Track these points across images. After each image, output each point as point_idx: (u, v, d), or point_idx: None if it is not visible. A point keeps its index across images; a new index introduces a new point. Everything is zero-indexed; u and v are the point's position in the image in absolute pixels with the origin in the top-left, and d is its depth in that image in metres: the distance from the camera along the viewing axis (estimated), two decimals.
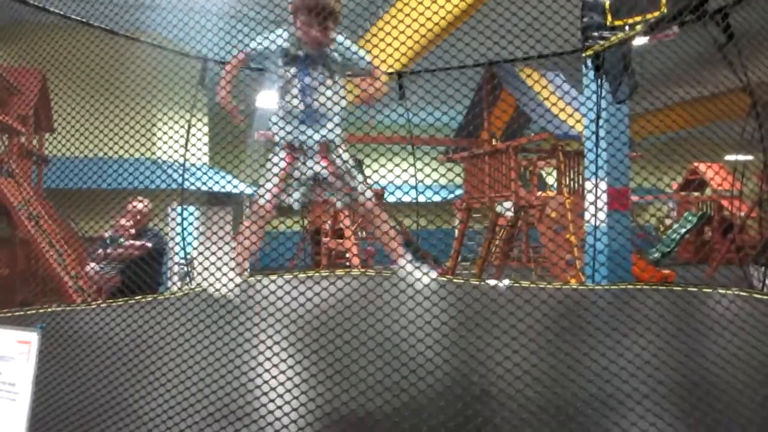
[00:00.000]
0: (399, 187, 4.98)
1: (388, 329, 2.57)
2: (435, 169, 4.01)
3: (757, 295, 3.32)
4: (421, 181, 5.16)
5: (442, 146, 9.51)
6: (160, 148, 3.91)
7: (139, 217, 4.56)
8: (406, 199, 5.46)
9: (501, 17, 3.98)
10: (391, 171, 3.97)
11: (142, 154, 4.20)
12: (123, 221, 4.58)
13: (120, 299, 3.56)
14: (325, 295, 3.07)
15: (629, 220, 6.31)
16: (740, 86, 3.32)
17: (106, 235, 4.59)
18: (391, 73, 5.14)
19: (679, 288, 3.86)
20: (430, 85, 4.57)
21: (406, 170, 4.81)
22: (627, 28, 3.21)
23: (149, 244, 4.47)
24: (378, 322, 2.57)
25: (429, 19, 4.14)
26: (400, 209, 11.65)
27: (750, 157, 4.65)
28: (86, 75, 3.82)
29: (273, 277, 3.82)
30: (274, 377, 2.21)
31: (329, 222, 10.37)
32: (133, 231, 4.54)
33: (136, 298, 3.62)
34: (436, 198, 5.15)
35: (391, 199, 10.18)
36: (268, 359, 2.34)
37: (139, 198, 4.65)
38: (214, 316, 2.88)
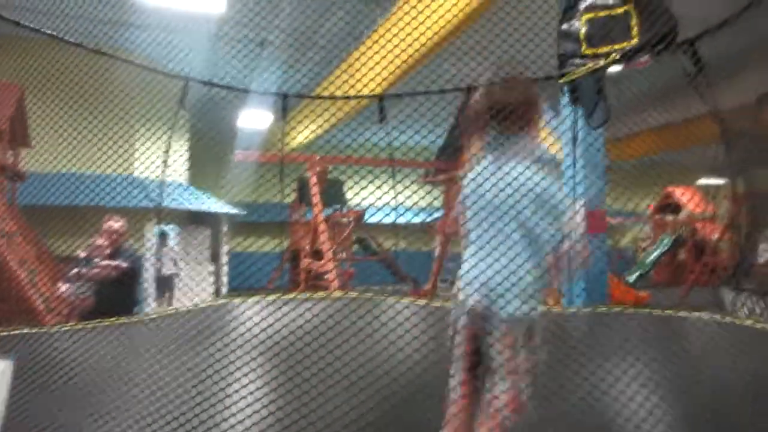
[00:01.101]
0: (380, 210, 4.99)
1: (365, 354, 2.56)
2: (415, 192, 4.03)
3: (727, 319, 3.38)
4: (401, 203, 5.18)
5: (422, 168, 9.57)
6: (139, 168, 3.89)
7: (114, 236, 4.49)
8: (387, 220, 5.47)
9: (481, 43, 4.06)
10: (372, 193, 3.99)
11: (120, 173, 4.16)
12: (98, 241, 4.51)
13: (92, 321, 3.48)
14: (300, 319, 3.05)
15: (606, 242, 6.39)
16: (710, 113, 3.42)
17: (81, 254, 4.51)
18: (372, 96, 5.19)
19: (655, 311, 3.91)
20: (411, 109, 4.64)
21: (384, 189, 4.84)
22: (601, 56, 3.30)
23: (124, 265, 4.40)
24: (352, 347, 2.56)
25: (410, 44, 4.21)
26: (380, 231, 11.68)
27: (721, 182, 4.76)
28: (65, 90, 3.79)
29: (249, 300, 3.78)
30: (246, 402, 2.19)
31: (308, 243, 10.32)
32: (108, 251, 4.47)
33: (110, 320, 3.55)
34: (416, 220, 5.17)
35: (371, 220, 10.21)
36: (241, 383, 2.32)
37: (115, 217, 4.59)
38: (188, 339, 2.84)
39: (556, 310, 4.40)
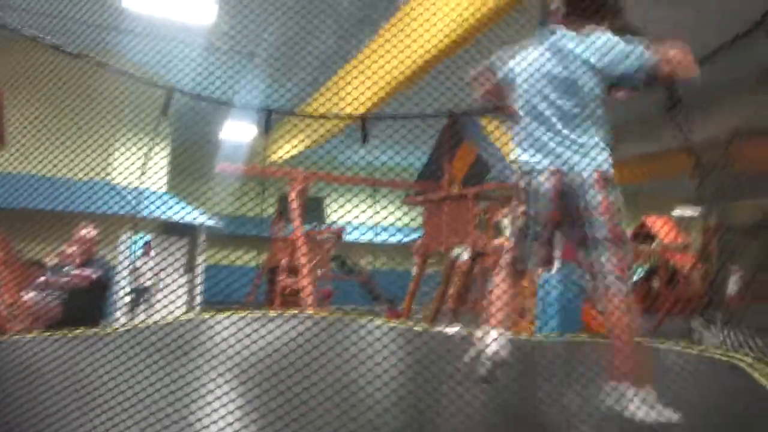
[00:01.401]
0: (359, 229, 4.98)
1: (339, 375, 2.54)
2: (394, 210, 4.04)
3: (696, 350, 3.42)
4: (380, 223, 5.19)
5: (403, 189, 9.62)
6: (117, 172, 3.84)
7: (86, 245, 4.41)
8: (367, 239, 5.47)
9: (466, 68, 4.12)
10: (351, 211, 3.99)
11: (97, 177, 4.10)
12: (69, 249, 4.42)
13: (57, 331, 3.40)
14: (273, 338, 3.01)
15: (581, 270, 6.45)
16: (684, 146, 3.50)
17: (50, 262, 4.41)
18: (355, 116, 5.22)
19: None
20: (393, 130, 4.67)
21: (364, 209, 4.84)
22: None
23: (95, 275, 4.31)
24: (323, 367, 2.53)
25: (402, 62, 4.25)
26: (358, 249, 11.66)
27: (695, 212, 4.86)
28: (42, 90, 3.75)
29: (224, 316, 3.73)
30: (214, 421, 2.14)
31: (285, 259, 10.24)
32: (78, 260, 4.39)
33: (77, 330, 3.47)
34: (395, 239, 5.18)
35: (350, 238, 10.18)
36: (210, 401, 2.27)
37: (88, 225, 4.51)
38: (159, 353, 2.78)
39: (530, 338, 4.42)
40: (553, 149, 2.17)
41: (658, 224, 12.88)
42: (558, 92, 2.19)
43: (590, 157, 2.18)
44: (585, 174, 2.17)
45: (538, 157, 2.20)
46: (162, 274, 8.80)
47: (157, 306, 3.45)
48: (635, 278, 13.28)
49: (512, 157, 2.31)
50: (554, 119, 2.18)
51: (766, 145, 3.07)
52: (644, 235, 14.32)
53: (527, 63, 2.26)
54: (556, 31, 2.28)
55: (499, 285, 2.33)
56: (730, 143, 3.21)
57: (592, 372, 2.79)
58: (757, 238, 3.27)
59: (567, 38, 2.24)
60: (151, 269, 8.85)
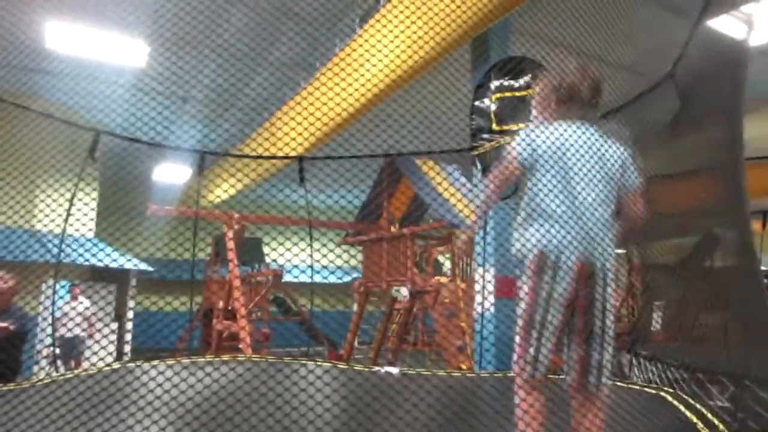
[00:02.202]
0: (299, 268, 4.93)
1: (282, 418, 2.47)
2: (326, 246, 4.04)
3: (624, 384, 3.55)
4: (318, 261, 5.16)
5: (341, 229, 9.63)
6: (40, 217, 3.66)
7: (2, 295, 4.14)
8: (305, 280, 5.41)
9: (401, 110, 4.24)
10: (288, 250, 3.95)
11: (17, 224, 3.90)
12: None
13: None
14: (212, 384, 2.92)
15: (514, 307, 6.60)
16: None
17: None
18: (292, 157, 5.23)
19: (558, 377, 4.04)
20: (331, 169, 4.70)
21: (303, 249, 4.80)
22: (508, 132, 3.53)
23: (10, 326, 4.04)
24: (269, 413, 2.46)
25: (338, 104, 4.31)
26: (297, 289, 11.48)
27: (622, 251, 5.11)
28: None
29: (154, 363, 3.58)
30: None
31: (222, 301, 9.96)
32: None
33: None
34: (334, 279, 5.15)
35: (288, 278, 10.03)
36: None
37: (3, 275, 4.24)
38: (83, 408, 2.63)
39: (468, 374, 4.46)
40: (578, 232, 2.12)
41: None
42: (589, 179, 2.17)
43: (610, 247, 2.17)
44: (607, 263, 2.17)
45: (563, 236, 2.12)
46: (93, 321, 8.25)
47: (87, 355, 3.27)
48: None
49: (529, 234, 2.18)
50: (584, 204, 2.14)
51: (679, 188, 3.30)
52: None
53: (560, 142, 2.19)
54: (585, 123, 2.28)
55: (526, 402, 2.17)
56: (647, 187, 3.41)
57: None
58: (677, 276, 3.46)
59: (598, 134, 2.27)
60: (80, 314, 8.07)
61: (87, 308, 8.25)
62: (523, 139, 2.22)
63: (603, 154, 2.21)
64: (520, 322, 2.24)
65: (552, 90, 2.31)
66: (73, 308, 8.07)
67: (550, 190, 2.15)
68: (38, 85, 4.62)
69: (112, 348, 10.73)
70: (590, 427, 2.18)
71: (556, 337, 2.20)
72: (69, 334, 7.68)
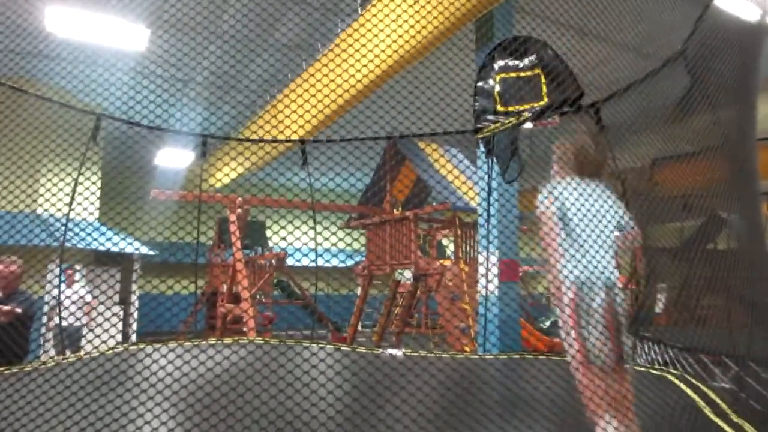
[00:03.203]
0: (302, 251, 4.93)
1: (285, 401, 2.49)
2: (332, 230, 4.02)
3: (628, 366, 3.55)
4: (321, 244, 5.16)
5: (344, 212, 9.62)
6: (43, 203, 3.66)
7: (8, 279, 4.16)
8: (309, 263, 5.42)
9: (404, 92, 4.20)
10: (291, 233, 3.94)
11: (22, 209, 3.90)
12: None
13: None
14: (217, 367, 2.93)
15: (518, 290, 6.62)
16: (611, 172, 3.66)
17: None
18: (294, 140, 5.20)
19: (561, 357, 4.05)
20: (333, 152, 4.68)
21: (306, 233, 4.80)
22: (513, 114, 3.49)
23: (18, 309, 4.07)
24: (273, 395, 2.48)
25: (341, 86, 4.28)
26: (300, 272, 11.52)
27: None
28: None
29: (158, 347, 3.60)
30: None
31: (226, 284, 10.00)
32: (0, 294, 4.13)
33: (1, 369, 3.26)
34: (337, 263, 5.15)
35: (291, 262, 10.06)
36: None
37: (10, 258, 4.26)
38: (88, 390, 2.65)
39: (473, 356, 4.47)
40: (603, 270, 2.63)
41: None
42: (603, 226, 2.69)
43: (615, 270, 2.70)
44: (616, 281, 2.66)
45: (591, 271, 2.60)
46: (91, 308, 7.54)
47: (92, 341, 3.28)
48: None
49: (566, 272, 2.60)
50: (604, 247, 2.67)
51: (684, 169, 3.27)
52: None
53: (580, 198, 2.72)
54: (600, 183, 2.81)
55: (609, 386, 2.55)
56: (652, 169, 3.39)
57: (531, 388, 2.84)
58: (681, 260, 3.45)
59: (609, 191, 2.81)
60: (75, 303, 7.07)
61: (84, 295, 7.27)
62: (551, 192, 2.71)
63: (611, 206, 2.75)
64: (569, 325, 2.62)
65: (571, 152, 2.83)
66: (68, 297, 7.08)
67: (579, 235, 2.64)
68: (37, 69, 4.59)
69: (116, 333, 10.79)
70: (627, 395, 2.55)
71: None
72: (65, 324, 6.73)
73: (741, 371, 3.02)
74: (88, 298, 7.24)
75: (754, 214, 2.65)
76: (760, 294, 2.86)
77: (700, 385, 2.92)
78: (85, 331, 7.25)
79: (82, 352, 3.90)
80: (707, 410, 2.66)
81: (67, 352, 6.20)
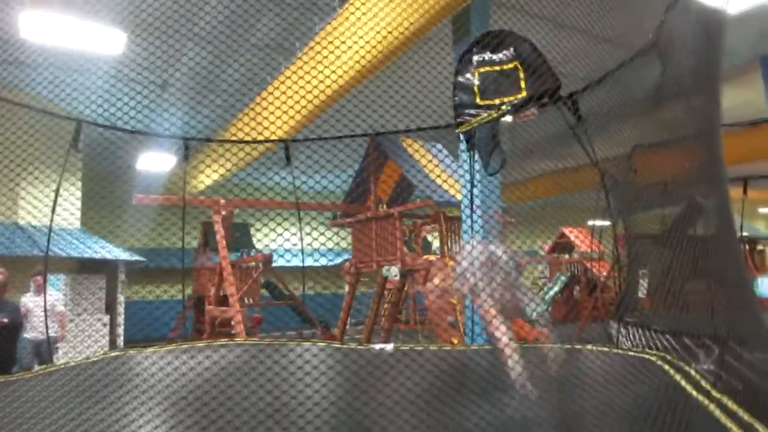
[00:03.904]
0: (289, 251, 4.93)
1: (277, 398, 2.51)
2: (316, 229, 4.05)
3: (615, 350, 3.62)
4: (309, 244, 5.17)
5: (328, 211, 9.62)
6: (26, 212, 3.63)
7: None
8: (295, 263, 5.42)
9: (384, 91, 4.23)
10: (277, 233, 3.95)
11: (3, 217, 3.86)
12: None
13: None
14: (210, 368, 2.94)
15: None
16: (590, 161, 3.73)
17: None
18: (275, 140, 5.21)
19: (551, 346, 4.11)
20: (316, 151, 4.69)
21: (292, 233, 4.81)
22: (493, 107, 3.54)
23: (4, 319, 4.04)
24: (266, 393, 2.50)
25: (321, 86, 4.29)
26: (287, 273, 11.50)
27: (607, 222, 5.17)
28: None
29: (148, 351, 3.59)
30: None
31: (213, 288, 9.96)
32: None
33: None
34: (323, 261, 5.17)
35: (280, 263, 10.05)
36: None
37: None
38: (78, 398, 2.65)
39: (460, 347, 4.52)
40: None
41: (575, 234, 13.57)
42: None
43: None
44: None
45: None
46: (64, 318, 6.37)
47: (76, 347, 3.26)
48: (559, 286, 13.92)
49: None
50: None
51: (662, 157, 3.34)
52: (563, 246, 15.05)
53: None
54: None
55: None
56: (631, 158, 3.46)
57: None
58: (662, 246, 3.53)
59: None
60: (47, 312, 5.39)
61: (55, 304, 6.23)
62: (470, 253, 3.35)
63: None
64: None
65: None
66: (38, 305, 5.75)
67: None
68: (13, 76, 4.54)
69: (102, 341, 10.68)
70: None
71: None
72: (34, 335, 5.69)
73: (722, 352, 3.10)
74: (60, 308, 6.26)
75: (723, 199, 2.73)
76: (736, 276, 2.93)
77: (682, 365, 2.99)
78: (60, 345, 6.39)
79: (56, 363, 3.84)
80: (689, 387, 2.73)
81: (35, 366, 5.27)
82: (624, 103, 3.63)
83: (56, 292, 6.53)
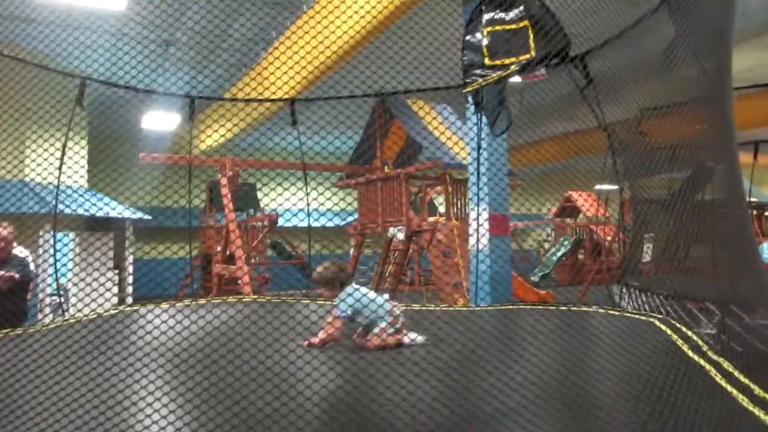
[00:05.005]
0: (294, 214, 4.95)
1: (284, 357, 2.56)
2: (325, 191, 4.06)
3: (619, 312, 3.66)
4: (315, 208, 5.19)
5: (335, 172, 9.61)
6: (31, 169, 3.65)
7: (2, 244, 4.16)
8: (301, 224, 5.45)
9: (391, 50, 4.16)
10: (282, 195, 3.96)
11: (11, 175, 3.89)
12: None
13: None
14: (216, 323, 2.99)
15: (509, 244, 6.71)
16: (599, 124, 3.68)
17: None
18: (284, 100, 5.16)
19: (554, 307, 4.16)
20: (323, 112, 4.66)
21: (298, 194, 4.82)
22: (502, 67, 3.48)
23: (14, 274, 4.09)
24: (273, 351, 2.55)
25: (327, 44, 4.22)
26: (294, 233, 11.59)
27: (614, 187, 5.14)
28: None
29: (160, 307, 3.65)
30: (155, 414, 2.12)
31: (220, 247, 10.05)
32: None
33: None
34: (330, 223, 5.19)
35: (285, 224, 10.11)
36: (150, 393, 2.24)
37: (2, 223, 4.23)
38: (89, 351, 2.70)
39: (466, 308, 4.58)
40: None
41: (581, 199, 13.53)
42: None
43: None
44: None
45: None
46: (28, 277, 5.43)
47: (86, 303, 3.30)
48: (563, 250, 13.97)
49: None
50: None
51: (671, 120, 3.29)
52: (569, 210, 15.03)
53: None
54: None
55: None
56: (640, 121, 3.41)
57: (522, 338, 2.93)
58: (668, 210, 3.51)
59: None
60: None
61: (23, 260, 4.51)
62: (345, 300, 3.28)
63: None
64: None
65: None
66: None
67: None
68: (15, 34, 4.48)
69: (111, 297, 10.85)
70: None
71: None
72: None
73: (724, 316, 3.12)
74: (27, 263, 4.53)
75: (734, 162, 2.70)
76: (741, 240, 2.93)
77: (683, 328, 3.02)
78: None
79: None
80: (686, 348, 2.77)
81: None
82: (634, 65, 3.56)
83: (23, 249, 6.04)
